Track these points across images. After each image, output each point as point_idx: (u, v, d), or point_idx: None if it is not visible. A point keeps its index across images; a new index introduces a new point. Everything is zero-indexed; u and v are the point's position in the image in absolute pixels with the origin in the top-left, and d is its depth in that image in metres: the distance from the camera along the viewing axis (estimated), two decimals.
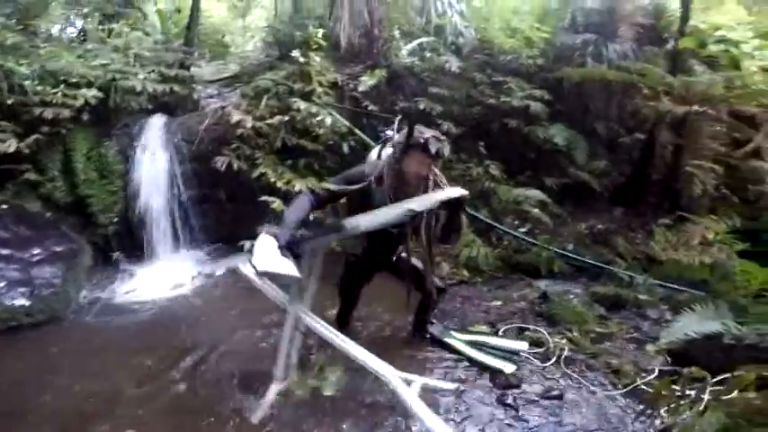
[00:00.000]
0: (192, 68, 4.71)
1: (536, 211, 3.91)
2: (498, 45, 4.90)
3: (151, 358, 2.49)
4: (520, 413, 2.10)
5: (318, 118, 3.81)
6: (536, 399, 2.21)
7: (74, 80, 3.76)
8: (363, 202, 2.05)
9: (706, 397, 1.70)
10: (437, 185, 2.12)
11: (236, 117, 3.70)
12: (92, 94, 3.70)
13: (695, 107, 4.05)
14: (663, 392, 1.82)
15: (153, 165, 3.79)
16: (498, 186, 4.10)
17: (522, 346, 2.62)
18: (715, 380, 1.92)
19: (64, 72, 3.78)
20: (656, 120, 4.30)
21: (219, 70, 5.31)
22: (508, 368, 2.39)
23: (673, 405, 1.79)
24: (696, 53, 4.69)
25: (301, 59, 4.06)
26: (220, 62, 5.62)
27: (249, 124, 3.69)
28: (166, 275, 3.51)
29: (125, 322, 2.96)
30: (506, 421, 2.05)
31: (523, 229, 3.99)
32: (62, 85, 3.69)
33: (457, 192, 2.04)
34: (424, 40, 4.88)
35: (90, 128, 3.84)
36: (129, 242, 3.76)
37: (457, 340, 2.62)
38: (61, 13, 5.03)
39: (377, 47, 4.86)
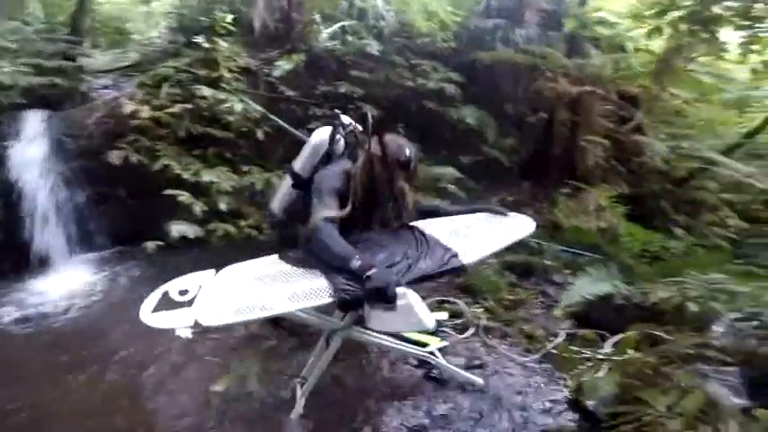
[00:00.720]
0: (83, 59, 4.07)
1: (452, 187, 3.92)
2: (417, 28, 4.76)
3: (52, 378, 2.09)
4: (446, 386, 2.06)
5: (227, 105, 3.47)
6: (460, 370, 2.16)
7: None
8: None
9: (600, 358, 1.70)
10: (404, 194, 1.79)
11: (129, 108, 3.25)
12: None
13: (587, 87, 4.22)
14: (565, 355, 1.79)
15: (33, 165, 3.18)
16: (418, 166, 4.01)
17: (442, 315, 2.55)
18: (613, 340, 1.95)
19: None
20: (555, 100, 4.43)
21: (117, 59, 4.62)
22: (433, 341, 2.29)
23: (575, 367, 1.78)
24: (589, 37, 4.88)
25: (206, 45, 3.68)
26: (119, 51, 4.85)
27: (146, 114, 3.25)
28: (63, 285, 3.00)
29: (17, 342, 2.47)
30: (434, 395, 2.00)
31: None
32: None
33: (530, 227, 1.81)
34: (345, 23, 4.60)
35: None
36: (17, 252, 3.14)
37: None
38: None
39: (295, 31, 4.49)
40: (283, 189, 2.02)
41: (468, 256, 1.58)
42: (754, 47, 4.11)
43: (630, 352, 1.69)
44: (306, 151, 1.95)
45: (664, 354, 1.52)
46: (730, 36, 4.19)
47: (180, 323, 1.32)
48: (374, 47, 4.35)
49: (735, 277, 1.74)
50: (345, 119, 1.94)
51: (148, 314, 1.38)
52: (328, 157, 1.91)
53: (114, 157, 3.14)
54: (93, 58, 4.40)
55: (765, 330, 1.73)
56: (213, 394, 1.97)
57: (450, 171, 4.04)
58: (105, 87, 3.98)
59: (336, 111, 2.01)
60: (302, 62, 4.17)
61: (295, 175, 1.94)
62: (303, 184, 1.90)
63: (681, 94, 5.78)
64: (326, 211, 1.59)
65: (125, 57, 4.68)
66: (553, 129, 4.44)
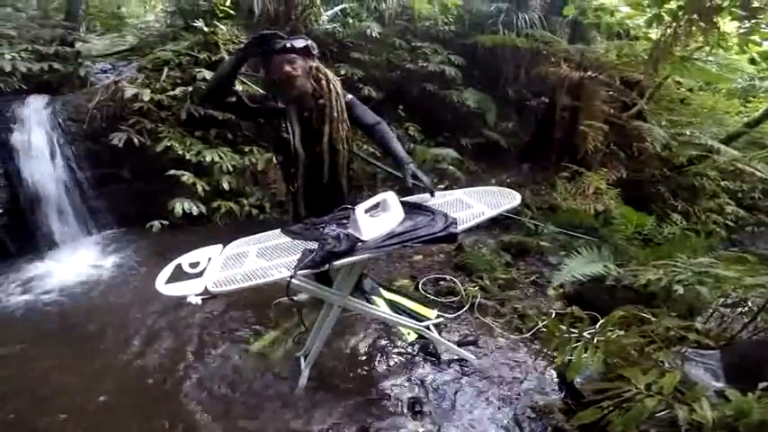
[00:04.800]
0: (80, 44, 3.99)
1: (452, 168, 3.92)
2: (418, 11, 4.70)
3: (71, 366, 2.03)
4: (441, 361, 2.09)
5: None
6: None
7: None
8: None
9: (588, 337, 1.67)
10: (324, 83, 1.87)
11: (130, 91, 3.25)
12: None
13: (589, 73, 4.17)
14: (554, 333, 1.77)
15: (37, 148, 3.14)
16: (417, 146, 4.01)
17: (431, 314, 2.48)
18: (601, 322, 1.91)
19: None
20: (556, 84, 4.37)
21: (114, 44, 4.59)
22: (432, 314, 2.37)
23: (564, 347, 1.75)
24: (592, 23, 4.72)
25: (206, 29, 3.68)
26: (115, 35, 4.79)
27: (147, 98, 3.26)
28: (72, 265, 2.98)
29: (29, 323, 2.41)
30: (430, 369, 2.04)
31: (442, 186, 3.95)
32: None
33: (516, 199, 1.76)
34: (345, 5, 4.54)
35: None
36: (23, 234, 3.12)
37: (383, 299, 2.52)
38: None
39: (295, 13, 4.40)
40: None
41: (461, 225, 1.65)
42: (753, 37, 3.96)
43: (617, 332, 1.66)
44: None
45: (648, 335, 1.49)
46: (730, 26, 4.04)
47: (191, 291, 1.39)
48: (375, 29, 4.31)
49: (724, 262, 1.69)
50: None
51: (162, 284, 1.45)
52: None
53: (117, 139, 3.15)
54: (89, 43, 4.34)
55: (748, 317, 1.70)
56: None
57: (449, 152, 4.02)
58: (104, 71, 3.96)
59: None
60: None
61: None
62: None
63: (685, 82, 5.64)
64: None
65: (122, 41, 4.66)
66: (554, 113, 4.39)
